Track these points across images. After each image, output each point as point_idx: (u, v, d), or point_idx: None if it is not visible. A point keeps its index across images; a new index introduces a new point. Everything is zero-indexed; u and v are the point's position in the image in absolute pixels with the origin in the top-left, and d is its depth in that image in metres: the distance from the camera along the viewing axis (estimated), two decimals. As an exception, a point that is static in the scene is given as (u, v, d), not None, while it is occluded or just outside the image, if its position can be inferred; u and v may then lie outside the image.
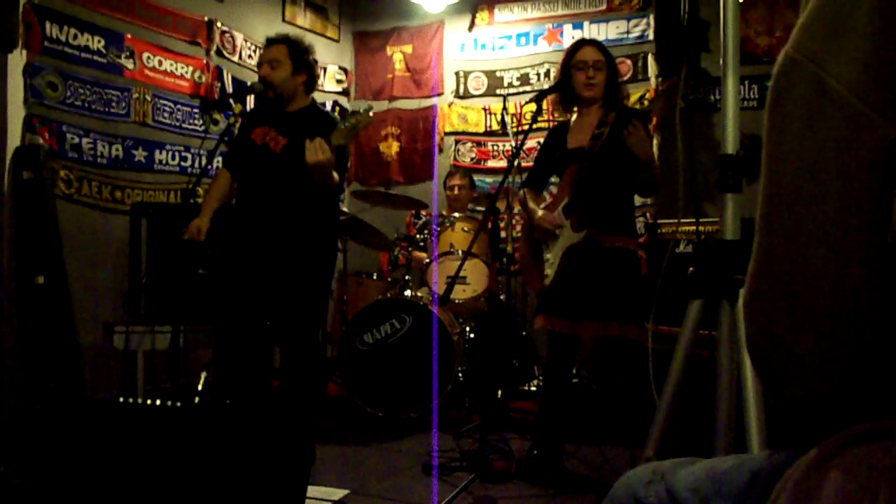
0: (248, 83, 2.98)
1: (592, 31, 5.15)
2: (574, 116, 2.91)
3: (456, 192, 4.54)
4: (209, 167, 4.05)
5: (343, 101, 5.89)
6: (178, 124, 4.48)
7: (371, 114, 2.72)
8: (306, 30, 5.56)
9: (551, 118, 3.04)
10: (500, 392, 3.82)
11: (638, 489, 0.79)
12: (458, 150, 5.58)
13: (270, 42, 3.00)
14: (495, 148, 5.49)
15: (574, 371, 3.13)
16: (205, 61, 4.65)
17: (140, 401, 1.98)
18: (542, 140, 3.11)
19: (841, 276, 0.51)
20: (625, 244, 2.76)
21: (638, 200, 4.24)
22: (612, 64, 2.84)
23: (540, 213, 2.83)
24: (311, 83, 3.04)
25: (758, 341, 0.57)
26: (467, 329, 4.12)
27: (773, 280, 0.55)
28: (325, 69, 5.69)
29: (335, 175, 2.75)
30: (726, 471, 0.70)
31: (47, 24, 3.73)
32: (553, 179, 3.16)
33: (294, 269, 2.87)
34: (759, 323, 0.57)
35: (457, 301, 3.89)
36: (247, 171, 2.99)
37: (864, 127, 0.50)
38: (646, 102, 4.79)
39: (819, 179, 0.52)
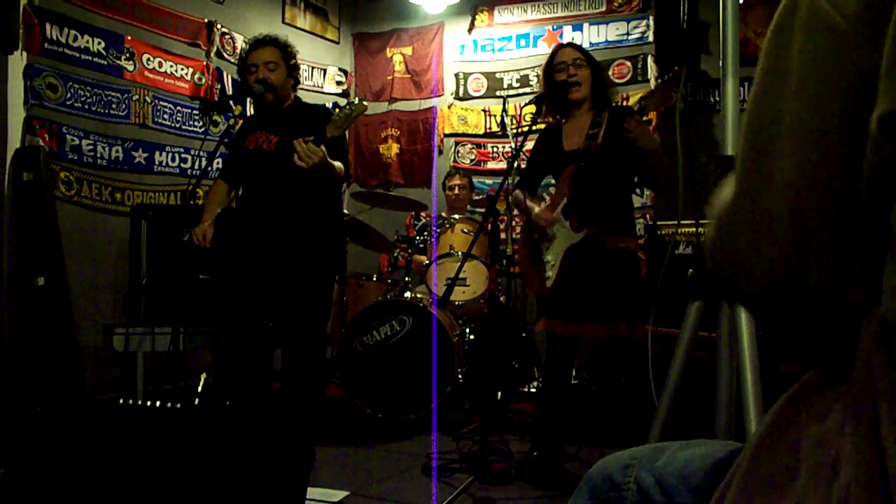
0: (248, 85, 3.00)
1: (592, 32, 5.15)
2: (566, 121, 2.91)
3: (456, 192, 4.54)
4: (209, 169, 4.06)
5: (343, 102, 5.89)
6: (178, 126, 4.49)
7: (364, 103, 2.74)
8: (306, 31, 5.57)
9: (552, 120, 3.03)
10: (499, 393, 3.82)
11: (615, 473, 0.80)
12: (458, 151, 5.58)
13: (261, 44, 2.97)
14: (495, 149, 5.49)
15: (573, 372, 3.13)
16: (205, 63, 4.65)
17: (140, 402, 1.99)
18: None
19: (802, 190, 0.52)
20: (626, 244, 2.76)
21: (637, 202, 4.25)
22: (595, 64, 2.85)
23: (536, 209, 2.84)
24: (296, 84, 3.08)
25: (721, 251, 0.59)
26: (467, 330, 4.12)
27: (744, 198, 0.56)
28: (324, 71, 5.70)
29: (336, 164, 2.75)
30: (692, 460, 0.72)
31: (47, 26, 3.73)
32: (550, 181, 3.15)
33: (300, 269, 2.87)
34: (724, 242, 0.58)
35: (456, 303, 3.89)
36: (246, 177, 3.01)
37: (847, 48, 0.50)
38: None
39: (802, 99, 0.52)
